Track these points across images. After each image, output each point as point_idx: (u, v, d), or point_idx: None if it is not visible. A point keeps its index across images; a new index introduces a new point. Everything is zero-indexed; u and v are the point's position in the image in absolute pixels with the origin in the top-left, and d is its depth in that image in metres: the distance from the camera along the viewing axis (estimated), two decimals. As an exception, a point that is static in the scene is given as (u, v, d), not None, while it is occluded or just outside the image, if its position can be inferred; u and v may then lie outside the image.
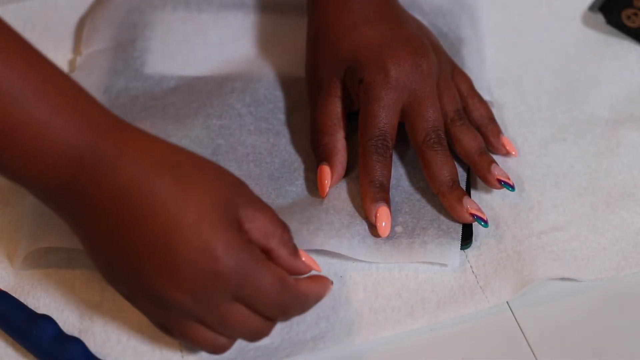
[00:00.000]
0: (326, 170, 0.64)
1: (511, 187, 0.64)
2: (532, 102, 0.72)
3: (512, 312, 0.61)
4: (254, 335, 0.55)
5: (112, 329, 0.60)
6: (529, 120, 0.71)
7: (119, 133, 0.52)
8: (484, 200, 0.66)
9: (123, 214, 0.51)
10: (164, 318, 0.54)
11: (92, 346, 0.59)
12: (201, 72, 0.73)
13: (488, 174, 0.64)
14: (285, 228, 0.55)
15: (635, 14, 0.76)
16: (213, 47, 0.75)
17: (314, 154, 0.66)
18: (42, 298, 0.61)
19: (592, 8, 0.78)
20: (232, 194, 0.53)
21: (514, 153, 0.67)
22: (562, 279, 0.62)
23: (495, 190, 0.66)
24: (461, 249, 0.64)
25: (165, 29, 0.75)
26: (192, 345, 0.55)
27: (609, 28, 0.76)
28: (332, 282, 0.57)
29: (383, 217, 0.62)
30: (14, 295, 0.61)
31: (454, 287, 0.62)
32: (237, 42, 0.75)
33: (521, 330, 0.61)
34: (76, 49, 0.77)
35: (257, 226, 0.53)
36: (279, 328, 0.60)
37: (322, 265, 0.63)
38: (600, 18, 0.77)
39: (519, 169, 0.68)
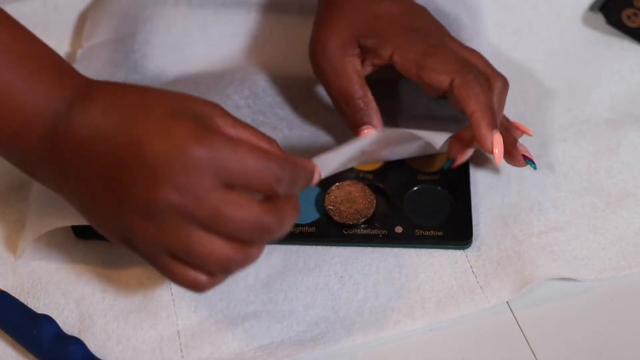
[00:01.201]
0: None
1: (534, 165, 0.64)
2: (532, 102, 0.72)
3: (512, 312, 0.61)
4: (255, 226, 0.50)
5: (112, 329, 0.60)
6: (529, 120, 0.71)
7: (87, 89, 0.52)
8: (483, 200, 0.66)
9: (92, 151, 0.50)
10: (167, 240, 0.50)
11: (92, 346, 0.59)
12: (201, 67, 0.73)
13: (514, 149, 0.64)
14: (272, 140, 0.54)
15: (635, 14, 0.76)
16: (213, 42, 0.75)
17: (348, 121, 0.65)
18: (42, 298, 0.61)
19: (592, 8, 0.78)
20: (202, 104, 0.52)
21: (530, 133, 0.66)
22: (562, 279, 0.62)
23: (494, 190, 0.67)
24: (461, 249, 0.64)
25: (166, 23, 0.76)
26: (204, 261, 0.50)
27: (609, 28, 0.76)
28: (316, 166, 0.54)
29: (498, 143, 0.60)
30: (14, 295, 0.61)
31: (454, 287, 0.62)
32: (238, 39, 0.75)
33: (521, 330, 0.61)
34: (77, 41, 0.77)
35: (244, 134, 0.52)
36: (279, 328, 0.60)
37: (322, 265, 0.63)
38: (600, 18, 0.77)
39: (519, 169, 0.67)
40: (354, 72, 0.64)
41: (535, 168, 0.65)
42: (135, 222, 0.50)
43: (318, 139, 0.69)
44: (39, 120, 0.52)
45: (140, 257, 0.52)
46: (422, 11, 0.66)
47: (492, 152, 0.60)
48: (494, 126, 0.60)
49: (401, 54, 0.63)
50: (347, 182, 0.66)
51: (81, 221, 0.55)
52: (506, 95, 0.63)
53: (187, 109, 0.50)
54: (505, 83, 0.63)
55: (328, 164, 0.57)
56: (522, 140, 0.66)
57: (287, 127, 0.69)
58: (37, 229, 0.62)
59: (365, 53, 0.64)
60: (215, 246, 0.49)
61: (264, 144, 0.53)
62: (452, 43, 0.64)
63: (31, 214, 0.63)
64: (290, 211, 0.52)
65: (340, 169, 0.61)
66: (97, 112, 0.51)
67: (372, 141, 0.61)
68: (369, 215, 0.64)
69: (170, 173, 0.48)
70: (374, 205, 0.64)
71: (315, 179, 0.54)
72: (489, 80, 0.62)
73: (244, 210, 0.49)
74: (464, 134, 0.64)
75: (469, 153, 0.65)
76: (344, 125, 0.66)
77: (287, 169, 0.50)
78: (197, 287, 0.52)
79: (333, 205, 0.64)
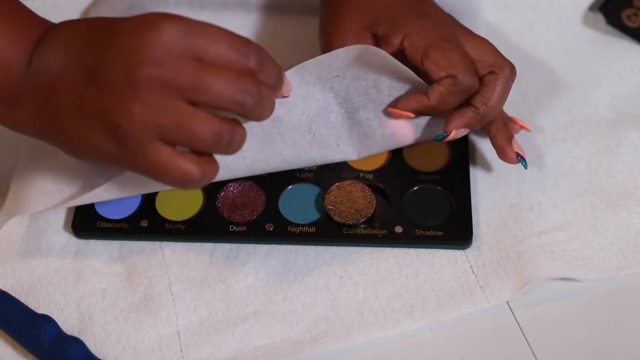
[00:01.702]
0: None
1: (525, 163, 0.64)
2: (532, 102, 0.72)
3: (512, 312, 0.61)
4: (237, 87, 0.50)
5: (112, 329, 0.60)
6: (529, 120, 0.71)
7: (55, 29, 0.55)
8: (483, 200, 0.66)
9: (70, 60, 0.52)
10: (159, 118, 0.50)
11: (92, 346, 0.59)
12: None
13: (508, 145, 0.64)
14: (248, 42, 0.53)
15: (635, 14, 0.76)
16: None
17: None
18: (42, 298, 0.61)
19: (592, 8, 0.78)
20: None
21: (528, 128, 0.67)
22: (562, 279, 0.62)
23: (494, 190, 0.67)
24: (461, 249, 0.64)
25: None
26: (199, 133, 0.50)
27: (609, 28, 0.76)
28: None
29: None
30: (14, 295, 0.61)
31: (454, 287, 0.62)
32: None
33: (521, 330, 0.61)
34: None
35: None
36: (279, 328, 0.60)
37: (322, 265, 0.63)
38: (600, 18, 0.77)
39: (519, 168, 0.67)
40: None
41: (525, 167, 0.65)
42: (121, 110, 0.50)
43: (330, 138, 0.69)
44: (7, 66, 0.53)
45: (130, 166, 0.52)
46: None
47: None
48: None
49: (411, 41, 0.63)
50: (347, 182, 0.66)
51: (57, 200, 0.57)
52: (512, 83, 0.64)
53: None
54: (512, 71, 0.63)
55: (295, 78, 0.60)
56: (520, 137, 0.66)
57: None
58: (13, 210, 0.62)
59: (377, 41, 0.64)
60: (204, 118, 0.50)
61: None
62: (461, 32, 0.64)
63: (11, 194, 0.63)
64: (271, 68, 0.53)
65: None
66: (62, 42, 0.53)
67: (340, 57, 0.62)
68: (369, 215, 0.64)
69: (146, 49, 0.49)
70: (374, 205, 0.64)
71: (286, 84, 0.56)
72: (496, 68, 0.63)
73: (224, 75, 0.50)
74: (464, 115, 0.64)
75: (463, 132, 0.64)
76: (355, 122, 0.66)
77: (254, 47, 0.51)
78: (188, 179, 0.51)
79: (333, 205, 0.64)
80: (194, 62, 0.50)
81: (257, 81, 0.51)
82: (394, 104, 0.64)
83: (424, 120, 0.65)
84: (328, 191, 0.65)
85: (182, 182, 0.51)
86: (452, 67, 0.61)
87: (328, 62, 0.61)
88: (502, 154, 0.65)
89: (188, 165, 0.51)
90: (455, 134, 0.63)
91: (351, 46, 0.60)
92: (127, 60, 0.49)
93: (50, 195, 0.62)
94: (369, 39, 0.64)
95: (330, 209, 0.64)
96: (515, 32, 0.77)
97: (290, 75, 0.60)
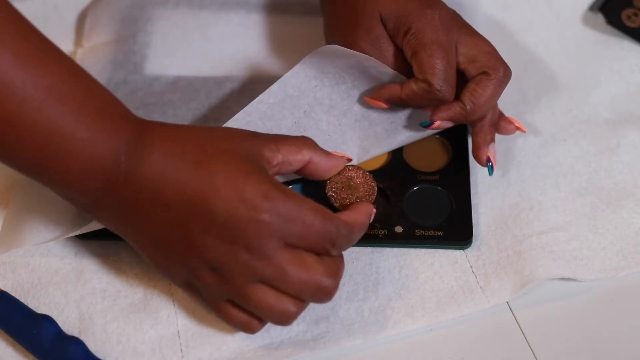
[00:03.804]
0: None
1: (491, 171, 0.65)
2: (532, 102, 0.72)
3: (512, 312, 0.61)
4: (315, 287, 0.55)
5: (112, 329, 0.60)
6: (529, 120, 0.71)
7: (146, 133, 0.55)
8: (483, 200, 0.66)
9: (158, 200, 0.53)
10: (231, 292, 0.55)
11: (92, 346, 0.59)
12: (201, 68, 0.73)
13: (484, 146, 0.65)
14: (308, 139, 0.59)
15: (635, 14, 0.76)
16: (213, 44, 0.75)
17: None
18: (42, 298, 0.61)
19: (592, 8, 0.78)
20: (250, 142, 0.56)
21: (523, 129, 0.67)
22: (562, 279, 0.62)
23: (494, 190, 0.67)
24: (461, 249, 0.64)
25: (166, 24, 0.76)
26: (265, 314, 0.56)
27: (609, 28, 0.76)
28: (374, 208, 0.61)
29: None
30: (14, 295, 0.61)
31: (454, 287, 0.62)
32: (238, 41, 0.75)
33: (521, 330, 0.61)
34: (77, 41, 0.77)
35: (285, 150, 0.57)
36: (279, 328, 0.60)
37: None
38: (600, 18, 0.77)
39: (519, 169, 0.68)
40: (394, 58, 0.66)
41: (490, 174, 0.65)
42: (202, 272, 0.55)
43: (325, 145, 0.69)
44: (101, 166, 0.53)
45: (198, 298, 0.58)
46: None
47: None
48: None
49: (406, 38, 0.64)
50: (348, 167, 0.64)
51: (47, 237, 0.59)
52: (504, 85, 0.64)
53: (242, 151, 0.55)
54: (506, 73, 0.64)
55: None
56: (521, 137, 0.66)
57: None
58: (9, 244, 0.63)
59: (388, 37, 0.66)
60: (274, 300, 0.55)
61: (305, 153, 0.59)
62: (462, 31, 0.65)
63: (6, 227, 0.64)
64: (341, 269, 0.57)
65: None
66: (159, 160, 0.54)
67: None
68: (371, 203, 0.63)
69: (241, 233, 0.53)
70: (375, 192, 0.64)
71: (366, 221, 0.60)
72: (490, 69, 0.63)
73: (307, 273, 0.54)
74: (451, 108, 0.64)
75: (447, 124, 0.65)
76: (346, 124, 0.66)
77: (344, 230, 0.55)
78: (248, 329, 0.57)
79: (334, 192, 0.64)
80: (281, 253, 0.54)
81: (335, 274, 0.56)
82: (369, 94, 0.66)
83: (415, 115, 0.65)
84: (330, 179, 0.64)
85: (243, 330, 0.58)
86: (431, 74, 0.62)
87: (304, 72, 0.62)
88: (475, 153, 0.66)
89: (250, 320, 0.57)
90: (439, 124, 0.65)
91: (318, 49, 0.61)
92: (220, 237, 0.53)
93: (53, 227, 0.63)
94: (381, 35, 0.65)
95: (332, 195, 0.63)
96: (515, 32, 0.77)
97: (274, 90, 0.62)
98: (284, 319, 0.55)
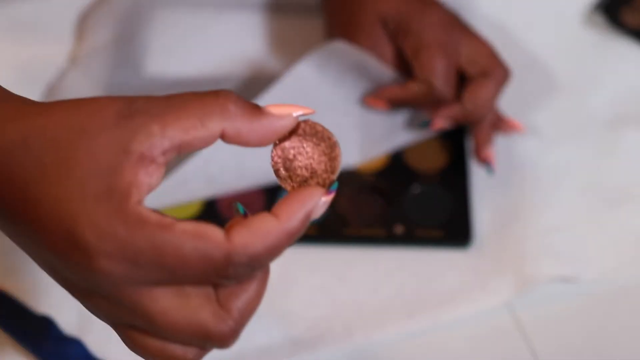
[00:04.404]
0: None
1: (490, 171, 0.66)
2: (532, 103, 0.72)
3: (512, 312, 0.61)
4: (202, 333, 0.40)
5: (112, 329, 0.60)
6: (528, 120, 0.71)
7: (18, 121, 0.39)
8: (483, 200, 0.66)
9: (6, 207, 0.40)
10: (115, 313, 0.41)
11: (92, 346, 0.59)
12: (200, 69, 0.73)
13: (484, 147, 0.66)
14: (221, 96, 0.40)
15: (636, 14, 0.76)
16: (213, 45, 0.75)
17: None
18: (42, 298, 0.61)
19: (592, 8, 0.78)
20: (112, 134, 0.38)
21: (520, 129, 0.68)
22: (562, 278, 0.62)
23: (496, 191, 0.67)
24: (461, 249, 0.64)
25: (166, 24, 0.76)
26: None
27: (609, 28, 0.76)
28: (327, 191, 0.40)
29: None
30: (14, 295, 0.61)
31: (454, 287, 0.62)
32: (238, 41, 0.75)
33: (521, 330, 0.61)
34: (77, 43, 0.77)
35: (175, 129, 0.38)
36: (279, 328, 0.60)
37: (322, 265, 0.63)
38: (600, 18, 0.77)
39: (519, 168, 0.68)
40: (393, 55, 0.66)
41: (490, 174, 0.66)
42: (79, 297, 0.41)
43: None
44: None
45: None
46: None
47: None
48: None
49: (407, 39, 0.64)
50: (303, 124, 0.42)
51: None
52: (503, 86, 0.65)
53: (85, 163, 0.38)
54: (506, 75, 0.64)
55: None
56: (520, 138, 0.66)
57: None
58: None
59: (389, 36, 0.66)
60: (157, 346, 0.40)
61: (213, 125, 0.39)
62: (462, 31, 0.65)
63: None
64: (246, 302, 0.42)
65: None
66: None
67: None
68: (331, 181, 0.42)
69: (86, 283, 0.39)
70: (338, 155, 0.42)
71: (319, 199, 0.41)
72: (490, 70, 0.64)
73: (186, 317, 0.39)
74: (451, 108, 0.65)
75: (447, 124, 0.65)
76: (346, 126, 0.66)
77: (241, 258, 0.38)
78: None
79: (279, 162, 0.42)
80: (148, 295, 0.39)
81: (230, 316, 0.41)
82: (369, 95, 0.66)
83: (415, 116, 0.66)
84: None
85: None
86: (431, 75, 0.63)
87: (304, 73, 0.63)
88: (475, 153, 0.67)
89: (175, 349, 0.41)
90: (439, 125, 0.65)
91: (319, 48, 0.61)
92: (79, 257, 0.38)
93: None
94: (381, 36, 0.65)
95: (277, 169, 0.42)
96: (515, 32, 0.77)
97: (274, 90, 0.62)
98: (203, 336, 0.40)
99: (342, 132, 0.65)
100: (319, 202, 0.40)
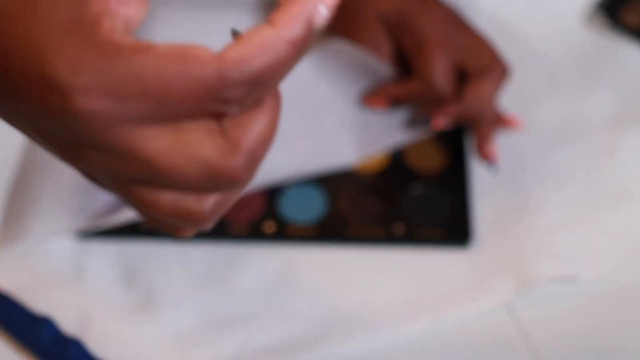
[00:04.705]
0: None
1: (492, 167, 0.66)
2: (532, 102, 0.72)
3: (512, 312, 0.61)
4: (210, 170, 0.34)
5: (112, 329, 0.60)
6: (529, 120, 0.71)
7: None
8: (483, 199, 0.66)
9: None
10: (109, 165, 0.35)
11: (92, 346, 0.59)
12: None
13: (485, 145, 0.65)
14: None
15: (635, 14, 0.76)
16: (213, 45, 0.75)
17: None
18: (42, 298, 0.61)
19: (592, 8, 0.78)
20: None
21: (518, 126, 0.68)
22: (563, 278, 0.62)
23: (496, 190, 0.67)
24: (461, 249, 0.64)
25: (166, 24, 0.76)
26: (162, 219, 0.37)
27: (609, 28, 0.76)
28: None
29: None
30: (14, 295, 0.61)
31: (454, 287, 0.62)
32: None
33: (521, 330, 0.61)
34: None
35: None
36: (279, 328, 0.60)
37: (322, 265, 0.63)
38: (600, 18, 0.77)
39: (519, 169, 0.67)
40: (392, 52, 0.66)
41: (491, 172, 0.66)
42: (70, 158, 0.36)
43: (323, 144, 0.69)
44: None
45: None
46: None
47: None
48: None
49: (407, 37, 0.64)
50: None
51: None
52: (502, 84, 0.65)
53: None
54: (504, 73, 0.64)
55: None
56: (520, 138, 0.66)
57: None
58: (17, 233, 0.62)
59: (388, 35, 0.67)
60: (166, 200, 0.36)
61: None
62: (462, 29, 0.65)
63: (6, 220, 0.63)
64: (258, 127, 0.35)
65: None
66: None
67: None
68: None
69: (67, 133, 0.34)
70: None
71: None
72: (488, 68, 0.64)
73: (189, 156, 0.34)
74: (451, 106, 0.65)
75: (446, 121, 0.65)
76: (344, 124, 0.66)
77: (235, 75, 0.33)
78: (192, 217, 0.36)
79: None
80: (140, 136, 0.34)
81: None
82: (368, 94, 0.66)
83: (414, 115, 0.66)
84: None
85: (187, 223, 0.38)
86: (431, 72, 0.63)
87: (302, 72, 0.63)
88: (475, 152, 0.67)
89: (185, 200, 0.37)
90: (439, 123, 0.65)
91: (320, 47, 0.62)
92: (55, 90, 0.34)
93: (55, 219, 0.62)
94: (380, 34, 0.65)
95: None
96: (514, 32, 0.77)
97: None
98: (193, 221, 0.36)
99: (339, 130, 0.65)
100: (318, 4, 0.34)
